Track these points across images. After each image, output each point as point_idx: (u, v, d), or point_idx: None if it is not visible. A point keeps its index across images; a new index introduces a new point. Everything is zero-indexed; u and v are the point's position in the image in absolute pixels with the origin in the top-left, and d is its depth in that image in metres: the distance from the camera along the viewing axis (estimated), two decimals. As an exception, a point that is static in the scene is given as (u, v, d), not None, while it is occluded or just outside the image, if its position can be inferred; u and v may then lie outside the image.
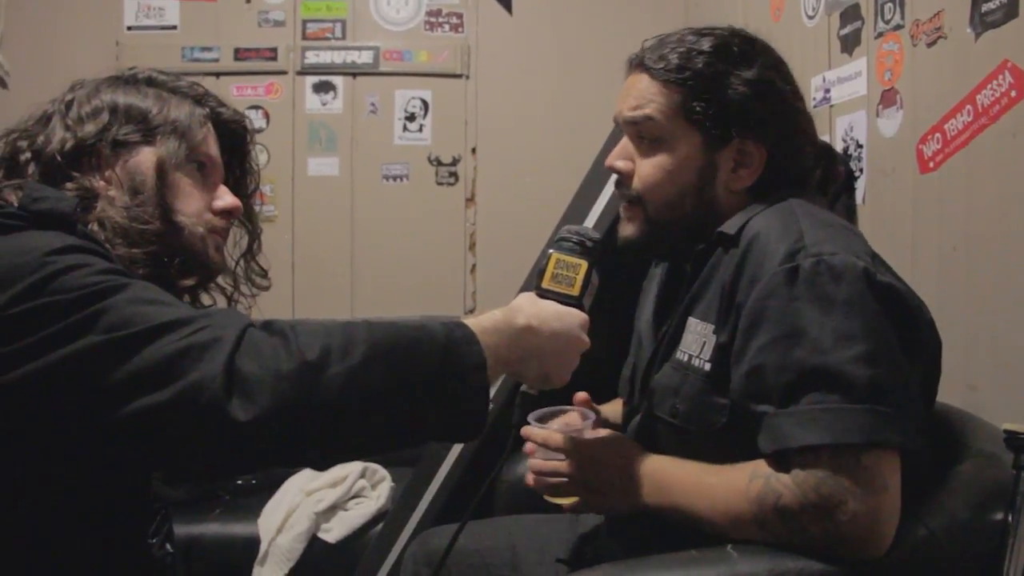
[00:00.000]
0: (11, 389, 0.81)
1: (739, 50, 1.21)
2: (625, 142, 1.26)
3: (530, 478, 1.24)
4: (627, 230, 1.26)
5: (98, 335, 0.81)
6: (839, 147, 2.04)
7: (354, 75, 3.32)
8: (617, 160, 1.25)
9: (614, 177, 1.29)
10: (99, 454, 0.91)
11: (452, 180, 3.33)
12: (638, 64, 1.24)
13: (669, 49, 1.21)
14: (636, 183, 1.23)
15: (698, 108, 1.18)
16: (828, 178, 1.31)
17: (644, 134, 1.22)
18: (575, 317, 1.07)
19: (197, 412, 0.78)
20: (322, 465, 0.92)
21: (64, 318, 0.81)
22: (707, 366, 1.14)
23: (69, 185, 1.02)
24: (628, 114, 1.23)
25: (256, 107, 3.26)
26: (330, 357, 0.82)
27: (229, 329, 0.83)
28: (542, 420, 1.21)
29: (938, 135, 1.63)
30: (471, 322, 0.95)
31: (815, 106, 2.20)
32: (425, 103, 3.33)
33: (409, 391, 0.87)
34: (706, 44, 1.20)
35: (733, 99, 1.18)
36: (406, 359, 0.87)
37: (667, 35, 1.24)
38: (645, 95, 1.21)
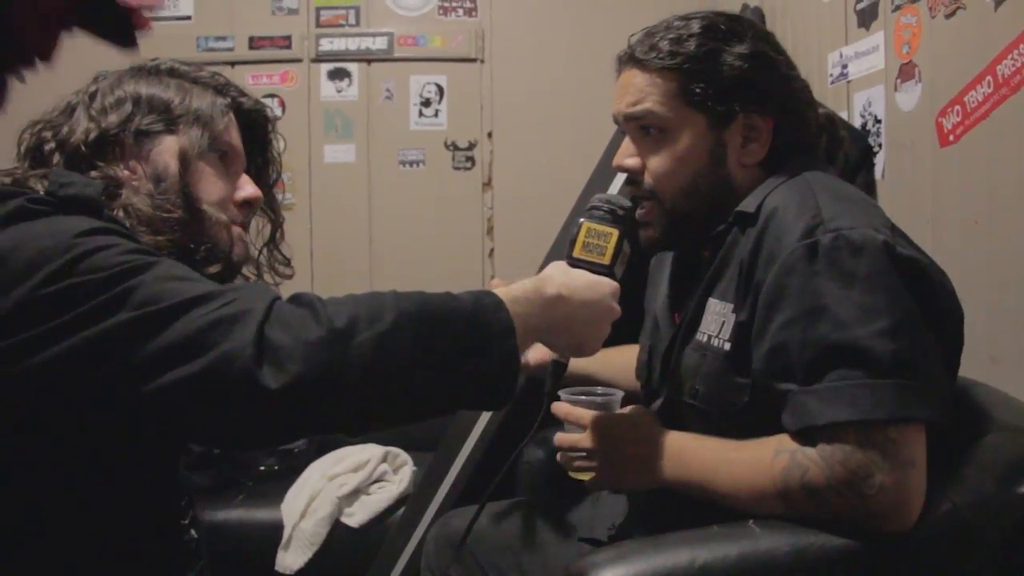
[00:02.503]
0: (46, 368, 0.82)
1: (726, 27, 1.21)
2: (628, 141, 1.25)
3: (558, 454, 1.25)
4: (648, 232, 1.25)
5: (129, 311, 0.82)
6: (857, 123, 2.03)
7: (369, 61, 3.31)
8: (625, 159, 1.24)
9: (622, 177, 1.29)
10: (132, 433, 0.92)
11: (469, 165, 3.32)
12: (629, 59, 1.24)
13: (658, 38, 1.20)
14: (648, 178, 1.23)
15: (698, 89, 1.18)
16: (833, 144, 1.30)
17: (648, 127, 1.21)
18: (606, 286, 1.07)
19: (228, 382, 0.80)
20: (354, 432, 0.93)
21: (95, 297, 0.83)
22: (727, 346, 1.14)
23: (93, 174, 1.03)
24: (627, 111, 1.22)
25: (272, 95, 3.26)
26: (358, 324, 0.83)
27: (258, 301, 0.84)
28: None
29: (958, 108, 1.62)
30: (500, 291, 0.96)
31: (832, 82, 2.19)
32: (440, 88, 3.32)
33: (438, 357, 0.88)
34: (695, 26, 1.20)
35: (731, 74, 1.18)
36: (434, 325, 0.88)
37: (652, 27, 1.24)
38: (642, 88, 1.21)
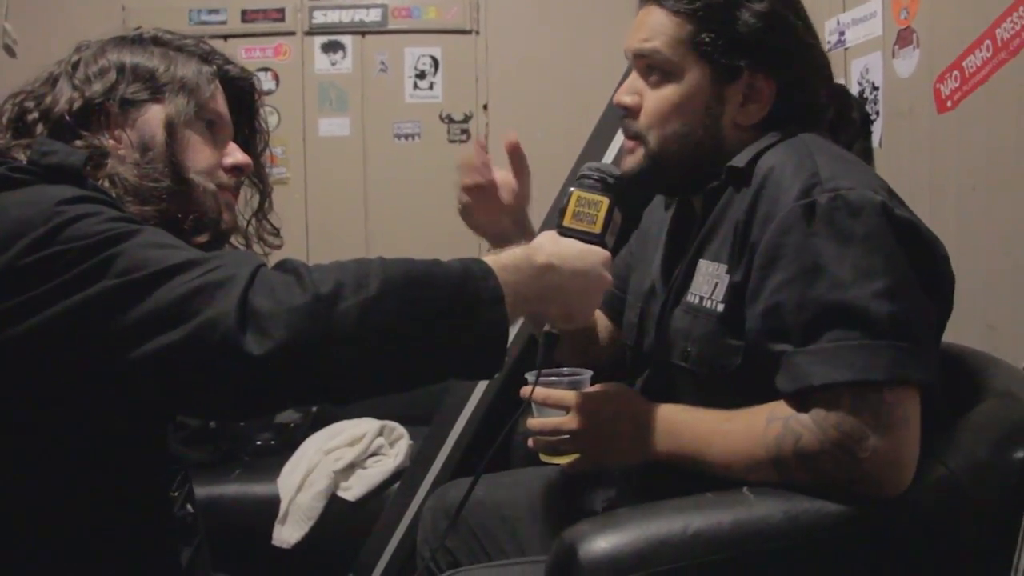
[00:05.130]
0: (28, 338, 0.82)
1: None
2: (633, 77, 1.24)
3: (530, 439, 1.22)
4: (628, 163, 1.24)
5: (111, 279, 0.81)
6: (855, 90, 2.01)
7: (363, 34, 3.29)
8: (625, 95, 1.23)
9: (616, 146, 1.27)
10: (119, 404, 0.91)
11: (464, 137, 3.30)
12: None
13: None
14: (642, 117, 1.21)
15: (707, 39, 1.16)
16: (841, 121, 1.28)
17: (653, 66, 1.20)
18: (597, 255, 1.06)
19: (212, 349, 0.79)
20: (339, 401, 0.92)
21: (77, 265, 0.82)
22: (720, 307, 1.12)
23: (78, 143, 1.02)
24: (637, 46, 1.21)
25: (265, 69, 3.24)
26: (344, 290, 0.82)
27: (242, 268, 0.83)
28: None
29: (956, 73, 1.60)
30: (490, 258, 0.94)
31: (830, 49, 2.16)
32: (435, 60, 3.30)
33: (424, 324, 0.86)
34: None
35: (743, 31, 1.16)
36: (421, 292, 0.86)
37: None
38: (655, 27, 1.19)
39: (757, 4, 1.16)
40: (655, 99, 1.20)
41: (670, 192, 1.31)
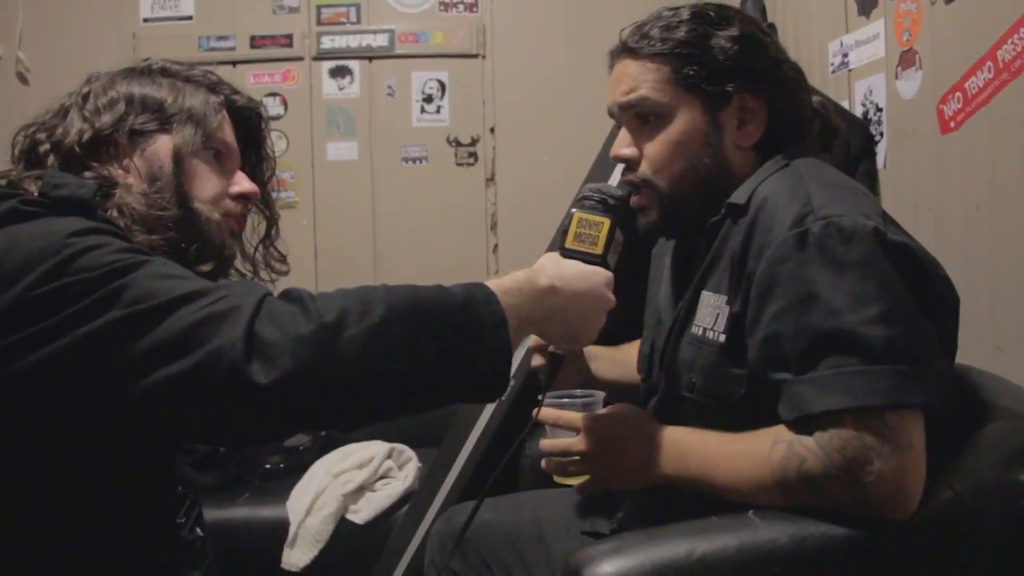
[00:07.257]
0: (39, 368, 0.82)
1: (715, 13, 1.22)
2: (624, 131, 1.25)
3: (543, 460, 1.23)
4: (647, 217, 1.25)
5: (120, 310, 0.82)
6: (858, 112, 2.02)
7: (370, 59, 3.31)
8: (622, 148, 1.25)
9: (620, 168, 1.28)
10: (125, 432, 0.92)
11: (471, 160, 3.32)
12: (621, 51, 1.25)
13: (648, 27, 1.22)
14: (645, 166, 1.22)
15: (691, 72, 1.19)
16: (827, 131, 1.30)
17: (646, 115, 1.22)
18: (599, 276, 1.07)
19: (219, 378, 0.80)
20: (347, 427, 0.93)
21: (87, 296, 0.83)
22: (721, 337, 1.13)
23: (88, 174, 1.03)
24: (622, 99, 1.23)
25: (274, 94, 3.26)
26: (348, 318, 0.83)
27: (248, 298, 0.84)
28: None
29: (959, 94, 1.60)
30: (492, 283, 0.96)
31: (833, 72, 2.17)
32: (442, 84, 3.31)
33: (428, 350, 0.87)
34: (684, 14, 1.22)
35: (722, 57, 1.19)
36: (425, 318, 0.88)
37: (642, 20, 1.25)
38: (635, 76, 1.22)
39: (727, 30, 1.20)
40: (655, 145, 1.22)
41: (691, 233, 1.27)
